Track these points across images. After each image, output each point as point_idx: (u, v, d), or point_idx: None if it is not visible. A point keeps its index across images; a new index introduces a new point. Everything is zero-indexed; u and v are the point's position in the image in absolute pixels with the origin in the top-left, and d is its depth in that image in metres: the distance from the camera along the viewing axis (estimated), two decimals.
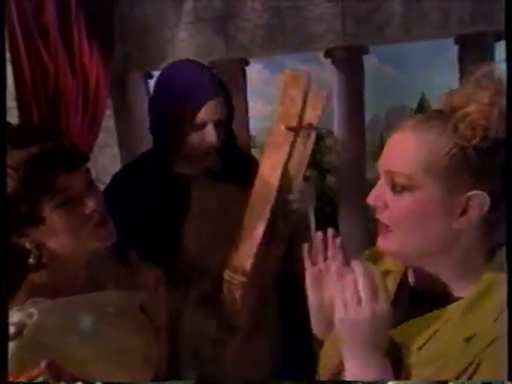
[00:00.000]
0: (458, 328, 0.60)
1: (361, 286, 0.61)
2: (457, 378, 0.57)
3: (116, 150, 3.56)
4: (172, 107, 0.96)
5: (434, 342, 0.62)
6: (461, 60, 3.38)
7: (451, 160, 0.57)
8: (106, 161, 3.48)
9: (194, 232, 1.07)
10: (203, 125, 0.97)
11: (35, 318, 0.54)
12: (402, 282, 0.74)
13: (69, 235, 0.61)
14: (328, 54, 3.52)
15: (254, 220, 0.93)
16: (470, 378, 0.56)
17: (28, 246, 0.59)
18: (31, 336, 0.53)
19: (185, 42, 3.48)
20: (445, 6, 3.13)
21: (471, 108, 0.57)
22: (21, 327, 0.53)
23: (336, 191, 4.02)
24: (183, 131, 0.99)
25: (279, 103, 0.93)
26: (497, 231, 0.60)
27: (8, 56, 2.18)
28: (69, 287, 0.62)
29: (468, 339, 0.58)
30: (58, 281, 0.63)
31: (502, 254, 0.60)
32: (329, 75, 3.63)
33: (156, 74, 4.14)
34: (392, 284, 0.74)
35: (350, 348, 0.63)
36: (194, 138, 0.99)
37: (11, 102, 2.04)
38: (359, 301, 0.60)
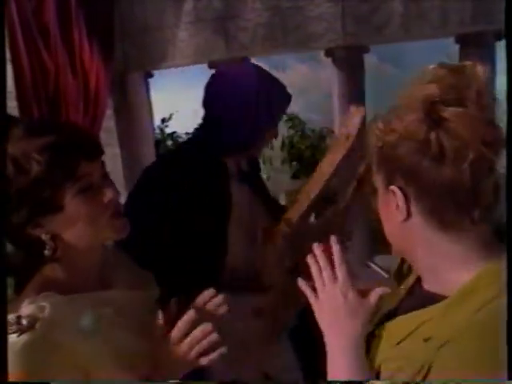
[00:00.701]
0: (431, 328, 0.59)
1: (337, 266, 0.65)
2: (412, 380, 0.56)
3: (117, 150, 3.56)
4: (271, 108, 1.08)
5: (410, 339, 0.61)
6: (461, 59, 3.38)
7: (378, 157, 0.63)
8: (106, 160, 3.48)
9: (236, 231, 1.12)
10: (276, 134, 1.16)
11: (47, 312, 0.54)
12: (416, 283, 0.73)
13: (86, 223, 0.61)
14: (328, 53, 3.52)
15: (308, 192, 1.12)
16: (423, 380, 0.55)
17: (44, 237, 0.59)
18: (44, 330, 0.53)
19: (185, 42, 3.48)
20: (445, 6, 3.12)
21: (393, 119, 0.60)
22: (33, 320, 0.53)
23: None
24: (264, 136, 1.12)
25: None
26: (466, 232, 0.58)
27: (8, 55, 2.18)
28: (80, 284, 0.62)
29: (425, 340, 0.57)
30: (70, 277, 0.62)
31: (486, 256, 0.58)
32: (329, 74, 3.63)
33: (156, 73, 4.14)
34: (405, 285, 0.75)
35: (328, 335, 0.66)
36: (262, 143, 1.14)
37: (12, 102, 2.04)
38: (335, 281, 0.65)
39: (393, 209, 0.61)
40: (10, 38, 2.15)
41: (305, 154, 5.06)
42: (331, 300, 0.65)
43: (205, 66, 3.61)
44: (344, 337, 0.65)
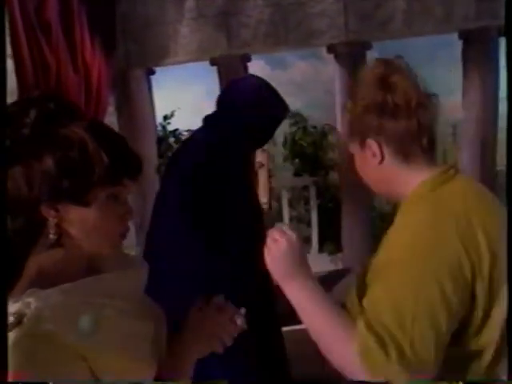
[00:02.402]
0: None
1: (273, 231, 0.80)
2: None
3: None
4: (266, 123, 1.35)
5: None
6: (464, 55, 3.36)
7: (351, 129, 0.89)
8: None
9: None
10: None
11: (33, 306, 0.54)
12: None
13: (95, 230, 0.63)
14: (331, 49, 3.50)
15: None
16: None
17: (51, 221, 0.60)
18: (31, 323, 0.53)
19: (187, 38, 3.47)
20: (448, 1, 3.11)
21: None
22: (20, 316, 0.53)
23: (338, 187, 4.01)
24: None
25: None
26: (419, 158, 0.84)
27: (10, 51, 2.18)
28: (68, 273, 0.62)
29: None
30: (59, 267, 0.62)
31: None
32: (331, 71, 3.62)
33: (158, 70, 4.14)
34: None
35: (284, 283, 0.79)
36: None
37: (14, 98, 2.04)
38: (276, 240, 0.78)
39: (370, 159, 0.86)
40: (12, 34, 2.15)
41: (307, 151, 5.04)
42: (279, 249, 0.78)
43: (206, 63, 3.61)
44: (297, 282, 0.78)
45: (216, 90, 3.23)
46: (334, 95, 3.60)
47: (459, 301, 0.71)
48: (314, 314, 0.77)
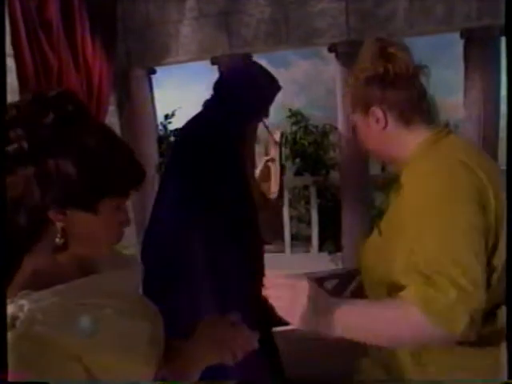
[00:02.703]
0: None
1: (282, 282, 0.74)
2: None
3: None
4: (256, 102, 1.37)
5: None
6: (466, 54, 3.35)
7: (353, 100, 0.99)
8: None
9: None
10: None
11: (26, 308, 0.54)
12: None
13: (100, 237, 0.64)
14: (332, 48, 3.50)
15: None
16: None
17: (58, 225, 0.59)
18: (24, 326, 0.52)
19: (188, 38, 3.47)
20: (450, 0, 3.10)
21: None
22: (13, 320, 0.53)
23: (339, 187, 4.01)
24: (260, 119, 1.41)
25: None
26: (418, 124, 0.94)
27: (11, 51, 2.18)
28: (61, 275, 0.61)
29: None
30: (53, 268, 0.62)
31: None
32: (332, 70, 3.61)
33: (159, 69, 4.13)
34: None
35: (323, 326, 0.73)
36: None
37: (15, 97, 2.04)
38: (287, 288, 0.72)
39: (374, 125, 0.94)
40: (13, 34, 2.15)
41: (308, 151, 5.04)
42: (302, 305, 0.71)
43: (207, 62, 3.61)
44: (334, 315, 0.73)
45: None
46: (335, 94, 3.60)
47: (487, 227, 0.80)
48: (372, 322, 0.76)
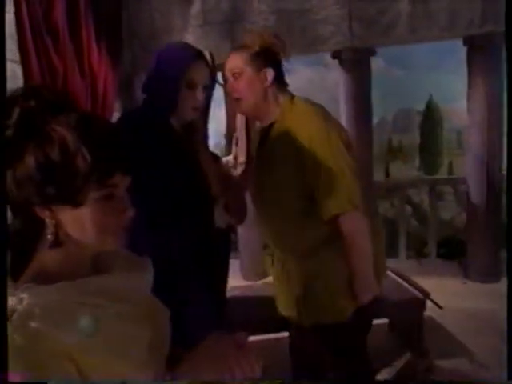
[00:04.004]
0: None
1: None
2: None
3: None
4: (168, 70, 1.30)
5: None
6: (469, 61, 3.36)
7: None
8: None
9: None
10: (195, 86, 1.29)
11: (25, 302, 0.54)
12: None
13: (94, 229, 0.61)
14: (335, 55, 3.51)
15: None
16: None
17: (48, 221, 0.59)
18: (20, 320, 0.53)
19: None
20: (453, 7, 3.11)
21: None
22: (11, 312, 0.53)
23: None
24: (179, 89, 1.28)
25: None
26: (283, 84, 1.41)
27: (18, 57, 2.21)
28: (72, 272, 0.61)
29: None
30: (63, 264, 0.62)
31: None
32: (335, 77, 3.63)
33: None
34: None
35: None
36: (186, 95, 1.28)
37: None
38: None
39: (263, 82, 1.34)
40: (20, 39, 2.18)
41: None
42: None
43: None
44: None
45: (221, 96, 3.24)
46: (338, 101, 3.61)
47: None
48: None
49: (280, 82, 1.38)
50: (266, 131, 1.40)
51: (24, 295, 0.54)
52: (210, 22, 3.49)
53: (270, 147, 1.38)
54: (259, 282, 3.22)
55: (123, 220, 0.64)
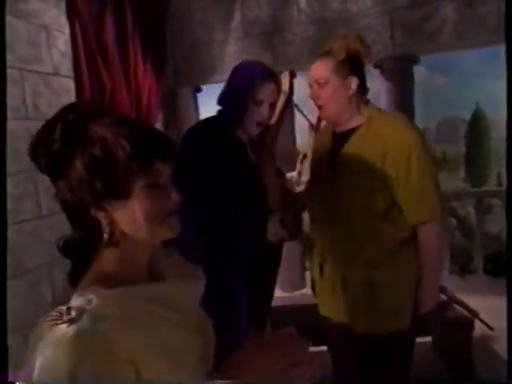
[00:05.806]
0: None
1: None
2: None
3: None
4: (238, 85, 1.39)
5: None
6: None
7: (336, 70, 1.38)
8: None
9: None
10: (260, 103, 1.36)
11: (94, 303, 0.56)
12: None
13: (145, 218, 0.63)
14: (377, 64, 3.46)
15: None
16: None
17: (103, 221, 0.63)
18: (90, 321, 0.54)
19: (233, 57, 3.57)
20: (500, 11, 2.99)
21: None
22: (81, 312, 0.55)
23: None
24: (246, 104, 1.36)
25: None
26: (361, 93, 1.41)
27: (71, 73, 2.34)
28: (130, 276, 0.64)
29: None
30: (121, 268, 0.65)
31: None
32: (377, 86, 3.57)
33: (204, 88, 4.23)
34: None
35: None
36: (252, 110, 1.36)
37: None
38: None
39: (347, 90, 1.37)
40: (74, 58, 2.31)
41: None
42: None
43: None
44: None
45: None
46: None
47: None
48: None
49: (362, 87, 1.39)
50: (346, 136, 1.40)
51: (92, 296, 0.57)
52: (250, 33, 3.55)
53: (353, 150, 1.36)
54: (297, 293, 3.21)
55: (169, 206, 0.66)
